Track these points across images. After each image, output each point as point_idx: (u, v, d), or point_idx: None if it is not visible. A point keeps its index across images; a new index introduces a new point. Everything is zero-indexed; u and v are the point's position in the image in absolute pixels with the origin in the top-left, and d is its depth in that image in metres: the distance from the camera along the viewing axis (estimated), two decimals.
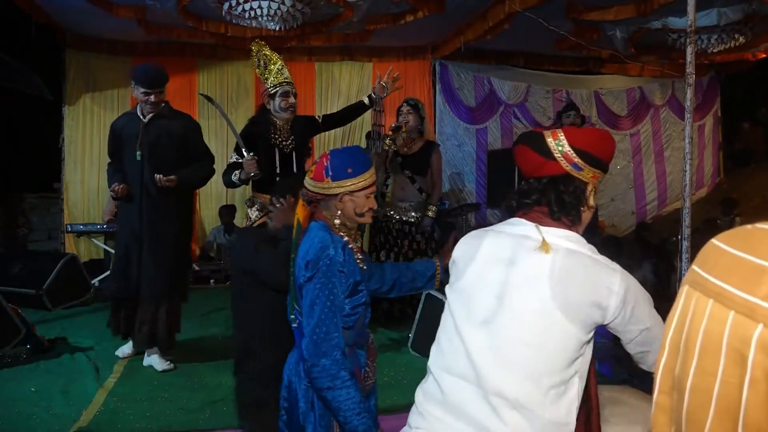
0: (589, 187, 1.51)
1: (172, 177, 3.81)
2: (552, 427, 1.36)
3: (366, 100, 4.35)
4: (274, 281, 2.25)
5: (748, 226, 0.65)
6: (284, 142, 3.96)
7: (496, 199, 6.98)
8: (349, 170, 1.86)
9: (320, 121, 4.31)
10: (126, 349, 4.13)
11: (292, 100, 3.93)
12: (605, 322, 1.40)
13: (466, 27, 6.57)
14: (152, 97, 3.83)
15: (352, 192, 1.87)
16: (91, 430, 3.04)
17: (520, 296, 1.41)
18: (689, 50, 2.97)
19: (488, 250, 1.50)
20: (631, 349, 1.47)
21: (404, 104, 4.60)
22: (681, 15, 5.54)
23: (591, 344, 1.44)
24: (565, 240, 1.45)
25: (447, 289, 1.58)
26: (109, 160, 4.08)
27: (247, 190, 4.33)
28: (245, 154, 3.71)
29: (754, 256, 0.61)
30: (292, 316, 1.91)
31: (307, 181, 1.92)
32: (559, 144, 1.48)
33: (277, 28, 5.50)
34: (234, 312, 2.61)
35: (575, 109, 5.61)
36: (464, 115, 8.04)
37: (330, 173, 1.86)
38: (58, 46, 6.95)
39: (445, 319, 1.54)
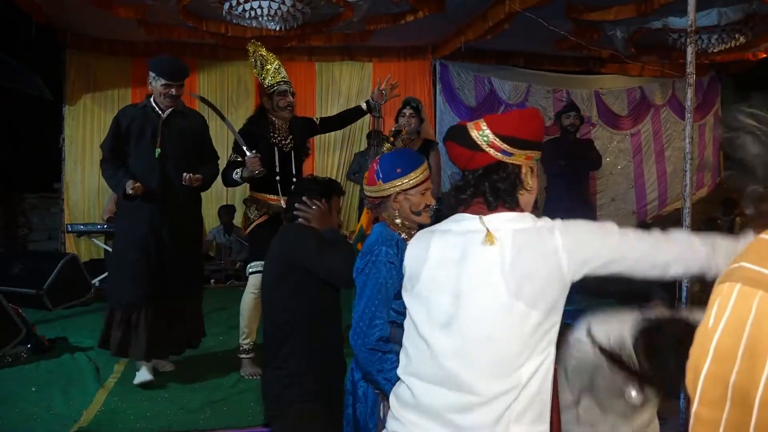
0: (524, 169, 1.50)
1: (198, 176, 3.71)
2: (528, 412, 1.37)
3: (364, 105, 4.35)
4: (341, 280, 2.27)
5: None
6: (283, 141, 3.96)
7: None
8: (398, 170, 1.98)
9: (318, 123, 4.32)
10: (146, 374, 3.67)
11: (290, 98, 3.94)
12: (567, 282, 1.39)
13: (467, 27, 6.57)
14: (173, 90, 3.67)
15: (404, 190, 1.98)
16: (92, 430, 3.05)
17: (475, 293, 1.40)
18: (689, 50, 2.97)
19: (437, 252, 1.49)
20: (628, 270, 1.42)
21: (407, 107, 4.56)
22: (681, 15, 5.53)
23: (558, 324, 1.43)
24: (510, 222, 1.44)
25: (404, 295, 1.58)
26: (103, 156, 3.77)
27: (246, 189, 4.33)
28: (247, 152, 3.71)
29: None
30: None
31: (365, 189, 2.05)
32: (483, 135, 1.48)
33: (278, 28, 5.50)
34: (267, 307, 2.49)
35: (575, 110, 5.61)
36: (465, 115, 8.02)
37: (380, 175, 1.99)
38: (59, 46, 6.94)
39: (408, 325, 1.54)
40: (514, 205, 1.49)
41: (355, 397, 1.97)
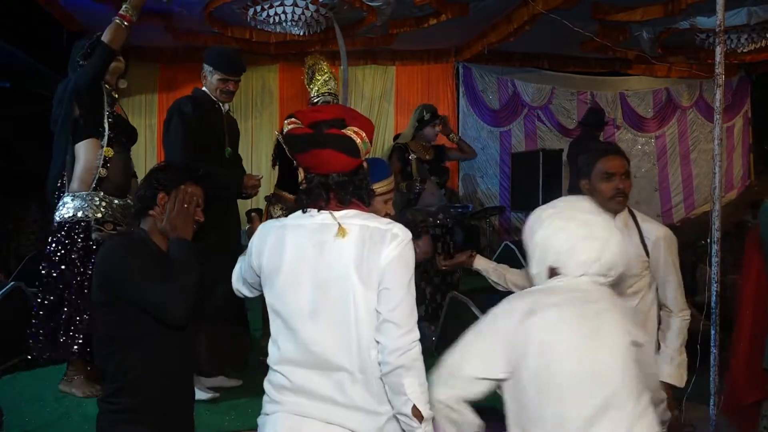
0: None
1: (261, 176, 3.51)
2: (380, 382, 1.57)
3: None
4: (165, 316, 1.87)
5: None
6: None
7: (519, 201, 6.93)
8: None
9: None
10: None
11: None
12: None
13: (490, 29, 6.56)
14: (231, 86, 3.47)
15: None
16: None
17: (332, 282, 1.56)
18: (718, 50, 2.92)
19: (294, 247, 1.61)
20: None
21: (436, 119, 4.69)
22: (709, 14, 5.46)
23: None
24: (359, 218, 1.60)
25: (266, 291, 1.67)
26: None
27: (270, 187, 4.38)
28: None
29: None
30: None
31: None
32: (365, 143, 1.61)
33: (301, 33, 5.56)
34: (95, 335, 2.04)
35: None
36: (488, 118, 8.01)
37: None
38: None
39: (274, 319, 1.65)
40: (372, 200, 1.72)
41: None
